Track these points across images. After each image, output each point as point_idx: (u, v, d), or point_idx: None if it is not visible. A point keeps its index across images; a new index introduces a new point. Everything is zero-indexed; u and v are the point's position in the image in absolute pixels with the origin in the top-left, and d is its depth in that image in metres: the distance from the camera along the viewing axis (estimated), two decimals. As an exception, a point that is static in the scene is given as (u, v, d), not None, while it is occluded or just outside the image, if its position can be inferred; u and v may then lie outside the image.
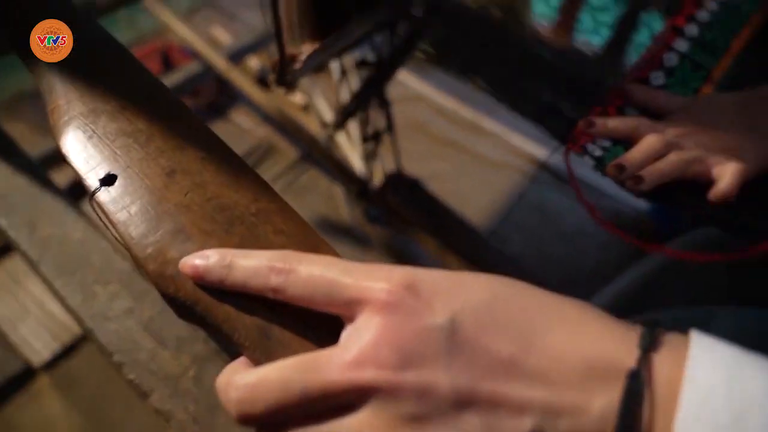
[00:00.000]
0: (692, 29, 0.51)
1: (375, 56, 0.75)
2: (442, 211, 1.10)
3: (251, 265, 0.24)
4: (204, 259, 0.24)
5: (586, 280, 1.21)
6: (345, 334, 0.23)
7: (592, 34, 0.54)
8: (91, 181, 0.28)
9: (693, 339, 0.21)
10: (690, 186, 0.42)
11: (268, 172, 1.38)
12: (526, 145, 1.50)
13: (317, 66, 0.55)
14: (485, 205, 1.39)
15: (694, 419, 0.18)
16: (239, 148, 1.42)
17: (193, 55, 1.47)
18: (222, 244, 0.26)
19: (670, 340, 0.21)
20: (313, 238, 0.27)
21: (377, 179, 1.04)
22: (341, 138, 1.06)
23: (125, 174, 0.28)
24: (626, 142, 0.44)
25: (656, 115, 0.46)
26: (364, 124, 0.91)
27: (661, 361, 0.20)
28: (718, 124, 0.43)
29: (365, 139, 0.92)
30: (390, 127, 0.94)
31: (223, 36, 1.72)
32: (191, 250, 0.25)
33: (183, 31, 1.32)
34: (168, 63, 1.63)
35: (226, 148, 0.30)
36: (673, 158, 0.41)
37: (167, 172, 0.28)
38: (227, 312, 0.24)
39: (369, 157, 0.97)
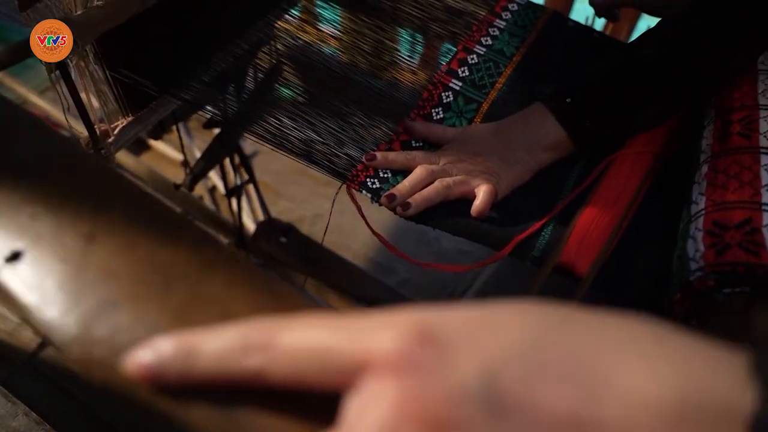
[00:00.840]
0: (464, 70, 0.60)
1: (221, 116, 0.79)
2: (319, 251, 1.14)
3: (219, 346, 0.18)
4: (154, 353, 0.19)
5: (463, 293, 1.29)
6: (350, 411, 0.17)
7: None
8: None
9: None
10: (457, 208, 0.49)
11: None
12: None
13: (134, 138, 0.58)
14: (368, 239, 1.45)
15: None
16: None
17: (56, 125, 1.44)
18: (161, 308, 0.21)
19: None
20: (277, 286, 0.23)
21: (250, 228, 1.07)
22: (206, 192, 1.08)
23: (34, 247, 0.23)
24: (406, 172, 0.51)
25: (437, 145, 0.54)
26: (223, 179, 0.94)
27: None
28: (480, 149, 0.51)
29: (229, 193, 0.95)
30: (251, 179, 0.98)
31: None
32: (124, 322, 0.21)
33: (42, 104, 1.30)
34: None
35: (155, 200, 0.26)
36: (437, 185, 0.47)
37: (86, 238, 0.24)
38: (189, 410, 0.19)
39: (238, 208, 1.00)
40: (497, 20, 0.66)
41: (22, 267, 0.23)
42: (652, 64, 0.48)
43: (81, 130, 0.53)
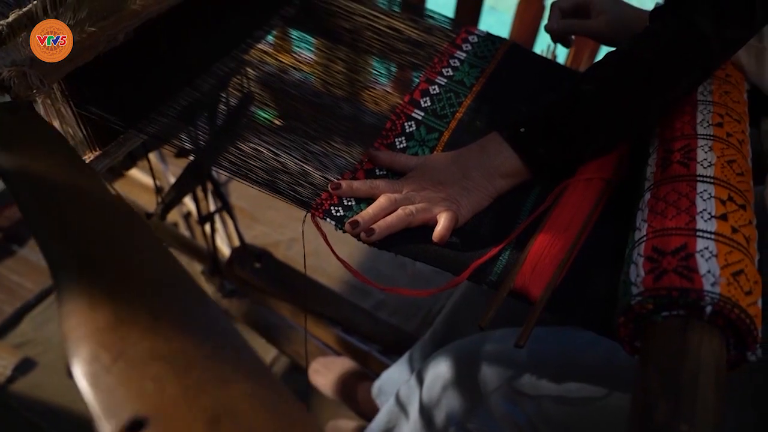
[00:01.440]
0: (426, 100, 0.62)
1: (190, 147, 0.80)
2: (294, 276, 1.15)
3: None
4: None
5: (438, 313, 1.30)
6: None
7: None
8: (109, 428, 0.21)
9: None
10: (419, 234, 0.50)
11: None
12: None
13: (102, 171, 0.58)
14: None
15: None
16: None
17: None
18: None
19: None
20: None
21: (224, 255, 1.07)
22: (180, 219, 1.08)
23: (156, 419, 0.21)
24: (370, 200, 0.52)
25: (400, 173, 0.55)
26: (197, 206, 0.95)
27: None
28: (442, 178, 0.52)
29: (202, 220, 0.96)
30: (225, 205, 0.98)
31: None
32: None
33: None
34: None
35: (272, 375, 0.25)
36: (399, 212, 0.49)
37: (210, 419, 0.21)
38: None
39: (212, 234, 1.01)
40: (458, 52, 0.69)
41: None
42: (597, 96, 0.51)
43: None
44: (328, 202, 0.51)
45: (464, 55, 0.69)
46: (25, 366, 1.12)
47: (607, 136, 0.52)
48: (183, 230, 1.37)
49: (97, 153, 0.56)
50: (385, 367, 1.08)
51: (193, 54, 0.63)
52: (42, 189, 0.32)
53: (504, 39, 0.72)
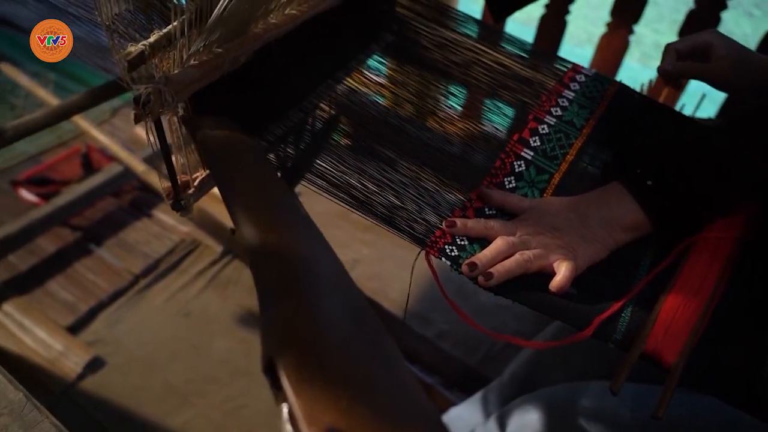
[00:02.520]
0: (536, 140, 0.61)
1: (278, 164, 0.81)
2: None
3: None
4: None
5: (503, 350, 1.26)
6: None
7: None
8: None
9: None
10: (536, 281, 0.48)
11: (192, 267, 1.39)
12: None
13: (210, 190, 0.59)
14: (407, 287, 1.44)
15: None
16: (163, 245, 1.43)
17: (112, 158, 1.49)
18: None
19: None
20: None
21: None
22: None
23: None
24: (482, 240, 0.51)
25: (511, 214, 0.54)
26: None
27: None
28: (558, 224, 0.51)
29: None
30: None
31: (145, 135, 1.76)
32: None
33: (101, 138, 1.35)
34: (89, 165, 1.64)
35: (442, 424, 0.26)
36: (518, 257, 0.47)
37: None
38: None
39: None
40: (566, 90, 0.67)
41: None
42: (735, 151, 0.48)
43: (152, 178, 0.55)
44: (442, 240, 0.50)
45: (573, 94, 0.67)
46: (94, 364, 1.15)
47: (742, 193, 0.49)
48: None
49: (207, 171, 0.57)
50: (449, 402, 1.05)
51: (300, 76, 0.64)
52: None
53: (612, 79, 0.70)
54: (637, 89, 0.71)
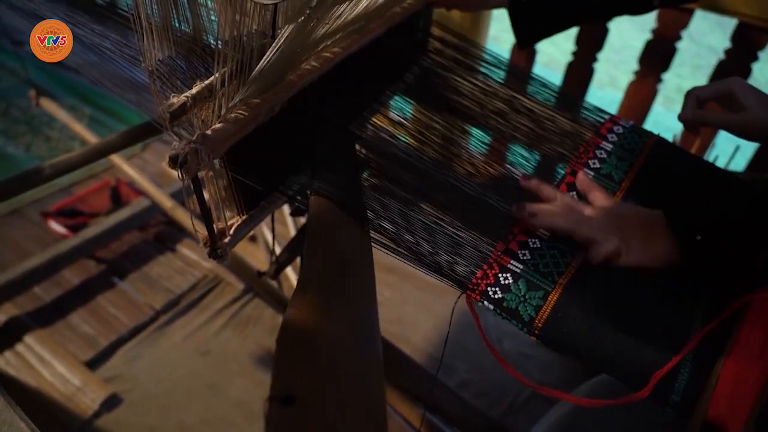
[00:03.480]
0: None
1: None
2: (385, 347, 1.11)
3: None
4: None
5: (527, 402, 1.22)
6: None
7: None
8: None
9: None
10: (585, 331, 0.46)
11: (213, 304, 1.38)
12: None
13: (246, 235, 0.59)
14: (429, 331, 1.41)
15: None
16: (185, 281, 1.43)
17: (139, 192, 1.51)
18: None
19: None
20: None
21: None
22: (285, 274, 1.09)
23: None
24: (532, 282, 0.49)
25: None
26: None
27: None
28: (626, 225, 0.52)
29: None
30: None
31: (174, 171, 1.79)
32: None
33: (131, 172, 1.37)
34: (118, 198, 1.67)
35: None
36: (570, 215, 0.51)
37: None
38: None
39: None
40: (604, 142, 0.66)
41: None
42: None
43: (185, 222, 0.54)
44: (485, 282, 0.48)
45: (611, 146, 0.66)
46: (111, 402, 1.14)
47: None
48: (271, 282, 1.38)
49: (244, 217, 0.57)
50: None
51: (329, 116, 0.63)
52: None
53: (649, 132, 0.69)
54: (665, 136, 0.69)
